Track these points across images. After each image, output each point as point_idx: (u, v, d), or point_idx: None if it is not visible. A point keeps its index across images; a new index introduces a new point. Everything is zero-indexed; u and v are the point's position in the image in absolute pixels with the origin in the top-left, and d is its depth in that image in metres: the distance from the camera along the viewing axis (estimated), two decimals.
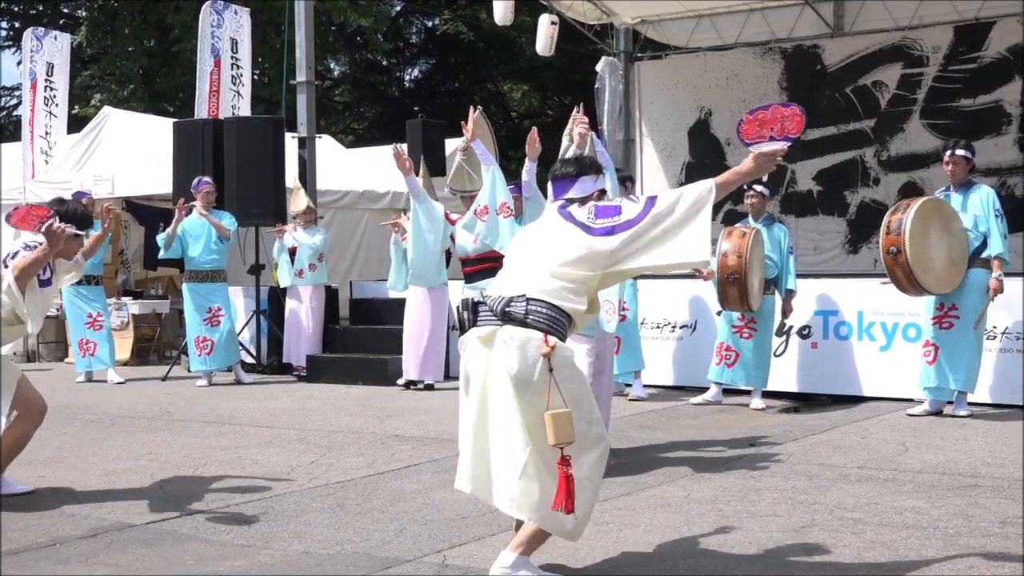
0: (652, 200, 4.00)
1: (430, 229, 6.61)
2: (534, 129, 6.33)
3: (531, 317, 3.87)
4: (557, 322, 3.91)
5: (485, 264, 6.31)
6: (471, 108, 6.55)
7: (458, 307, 4.06)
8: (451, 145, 14.50)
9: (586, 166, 4.32)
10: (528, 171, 6.31)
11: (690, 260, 4.02)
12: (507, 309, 3.89)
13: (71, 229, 5.49)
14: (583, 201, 4.19)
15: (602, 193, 4.34)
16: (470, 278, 6.44)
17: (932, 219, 7.57)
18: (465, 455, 4.03)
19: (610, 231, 3.97)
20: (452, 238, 6.80)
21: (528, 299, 3.90)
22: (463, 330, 4.00)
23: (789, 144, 3.98)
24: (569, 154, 6.13)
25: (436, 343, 10.07)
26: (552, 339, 3.84)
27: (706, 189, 4.00)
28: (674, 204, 3.98)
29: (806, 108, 4.09)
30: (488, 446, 3.93)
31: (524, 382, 3.82)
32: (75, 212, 5.70)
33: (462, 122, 6.52)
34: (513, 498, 3.87)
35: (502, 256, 6.30)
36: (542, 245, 4.07)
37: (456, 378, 8.26)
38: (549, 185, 4.39)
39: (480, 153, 6.47)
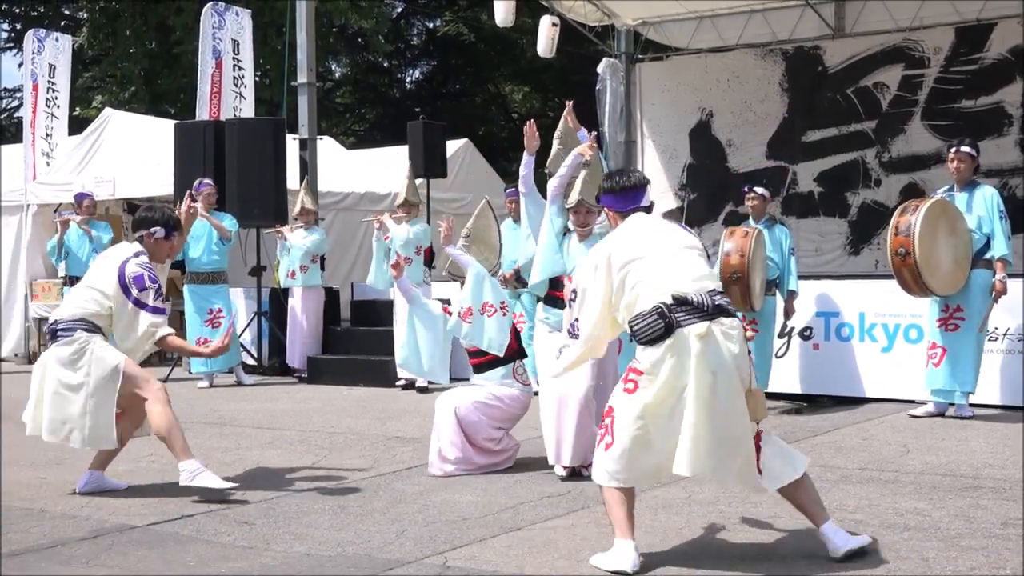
0: None
1: (431, 326, 6.56)
2: (531, 121, 6.31)
3: (730, 307, 4.22)
4: None
5: (489, 355, 6.34)
6: (486, 201, 6.76)
7: (660, 312, 4.10)
8: (452, 146, 14.52)
9: (644, 176, 4.68)
10: (526, 165, 6.28)
11: None
12: (719, 303, 4.15)
13: (160, 232, 5.81)
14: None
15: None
16: (479, 369, 6.42)
17: (940, 221, 7.57)
18: (696, 441, 4.04)
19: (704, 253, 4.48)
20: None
21: (719, 292, 4.22)
22: (668, 332, 4.09)
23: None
24: (561, 173, 6.14)
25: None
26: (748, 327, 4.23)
27: None
28: None
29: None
30: (722, 431, 4.07)
31: (742, 365, 4.13)
32: (164, 217, 5.89)
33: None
34: (739, 470, 4.13)
35: None
36: (685, 248, 4.33)
37: (456, 379, 8.27)
38: (612, 198, 4.56)
39: (455, 256, 6.48)
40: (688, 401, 4.06)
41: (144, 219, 5.86)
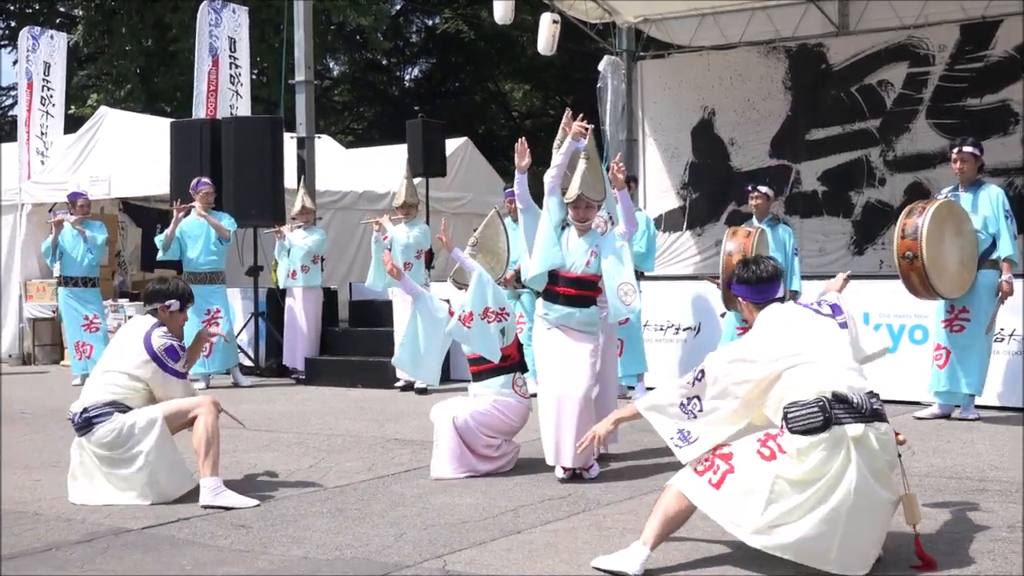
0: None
1: (432, 328, 6.46)
2: (523, 139, 6.24)
3: (883, 411, 4.18)
4: None
5: (490, 363, 6.25)
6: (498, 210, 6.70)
7: (821, 405, 4.03)
8: (451, 145, 14.43)
9: (779, 265, 4.68)
10: (519, 183, 6.22)
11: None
12: (875, 407, 4.12)
13: (175, 304, 5.83)
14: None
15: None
16: (478, 377, 6.34)
17: (946, 222, 7.48)
18: (862, 547, 4.06)
19: (845, 324, 4.44)
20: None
21: (875, 395, 4.17)
22: (826, 427, 4.02)
23: None
24: (556, 162, 6.06)
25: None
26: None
27: None
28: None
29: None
30: (871, 534, 4.10)
31: (894, 468, 4.15)
32: (178, 290, 5.93)
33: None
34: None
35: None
36: (830, 341, 4.29)
37: (455, 380, 8.19)
38: (748, 289, 4.51)
39: (460, 259, 6.38)
40: (845, 504, 4.00)
41: (158, 292, 5.88)
